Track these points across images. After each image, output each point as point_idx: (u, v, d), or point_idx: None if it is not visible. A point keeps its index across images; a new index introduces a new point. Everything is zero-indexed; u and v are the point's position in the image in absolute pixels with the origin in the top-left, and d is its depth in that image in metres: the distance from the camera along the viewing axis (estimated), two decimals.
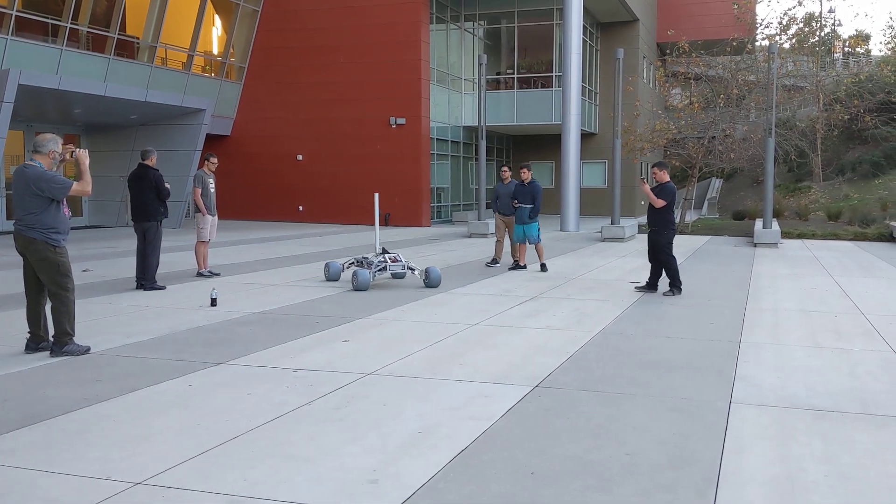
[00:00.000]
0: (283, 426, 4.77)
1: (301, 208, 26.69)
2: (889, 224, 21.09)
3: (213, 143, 25.44)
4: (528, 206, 13.01)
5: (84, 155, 6.70)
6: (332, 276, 11.32)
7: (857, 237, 20.42)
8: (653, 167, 10.80)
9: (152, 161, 10.81)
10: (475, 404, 5.23)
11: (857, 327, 8.14)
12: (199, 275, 11.87)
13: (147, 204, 10.66)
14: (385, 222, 25.41)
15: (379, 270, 10.77)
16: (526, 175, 13.19)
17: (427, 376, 5.97)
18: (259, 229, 22.84)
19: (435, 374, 6.02)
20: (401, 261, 11.01)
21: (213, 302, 9.21)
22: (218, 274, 12.03)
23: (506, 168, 13.98)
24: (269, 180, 26.67)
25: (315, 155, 26.29)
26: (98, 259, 14.35)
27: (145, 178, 10.68)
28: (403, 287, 10.83)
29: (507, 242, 13.74)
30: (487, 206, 22.39)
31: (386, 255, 11.05)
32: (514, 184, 13.37)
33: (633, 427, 4.78)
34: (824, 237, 20.68)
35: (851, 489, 3.83)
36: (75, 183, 6.65)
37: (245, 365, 6.33)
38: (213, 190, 12.00)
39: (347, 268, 11.36)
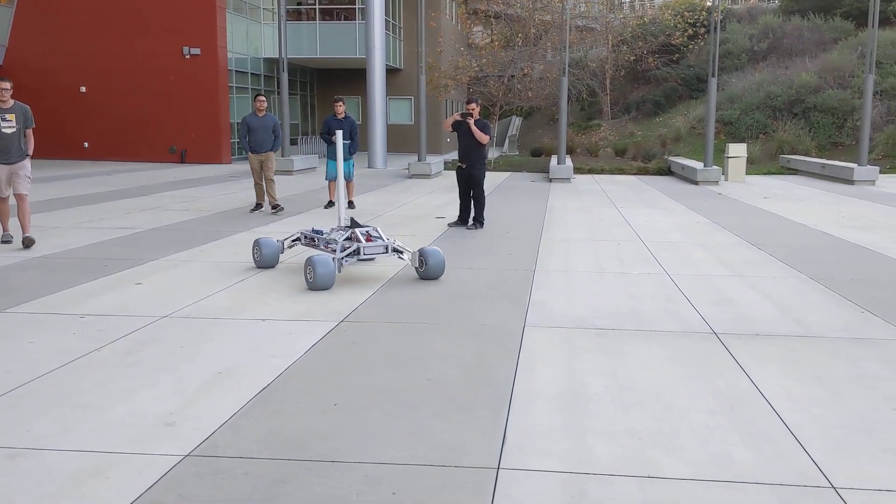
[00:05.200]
0: (70, 374, 4.49)
1: (86, 145, 24.73)
2: (667, 159, 22.96)
3: None
4: (347, 141, 12.75)
5: None
6: (265, 262, 7.65)
7: (640, 171, 22.08)
8: (469, 103, 10.66)
9: None
10: (278, 342, 5.19)
11: (637, 254, 8.86)
12: (3, 241, 9.04)
13: None
14: (181, 159, 24.18)
15: (347, 256, 7.09)
16: (340, 109, 12.84)
17: (227, 317, 5.82)
18: (38, 168, 20.90)
19: (236, 315, 5.88)
20: (380, 238, 7.35)
21: None
22: (10, 241, 9.07)
23: (261, 98, 12.25)
24: (48, 115, 24.24)
25: (101, 87, 24.32)
26: None
27: None
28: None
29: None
30: (298, 144, 21.75)
31: (357, 230, 7.34)
32: (270, 117, 12.20)
33: (435, 354, 4.95)
34: (612, 172, 22.17)
35: (626, 398, 4.21)
36: None
37: (25, 312, 5.86)
38: (7, 130, 8.83)
39: (290, 247, 7.97)
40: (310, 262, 6.77)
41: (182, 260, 8.10)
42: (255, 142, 12.06)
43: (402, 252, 7.31)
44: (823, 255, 8.82)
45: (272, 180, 12.23)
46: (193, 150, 24.03)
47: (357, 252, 7.11)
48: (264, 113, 12.20)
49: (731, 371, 4.68)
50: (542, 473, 3.31)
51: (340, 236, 7.32)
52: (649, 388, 4.36)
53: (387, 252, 7.23)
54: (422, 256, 7.22)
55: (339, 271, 7.05)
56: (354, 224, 7.46)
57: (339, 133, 8.16)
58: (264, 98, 12.38)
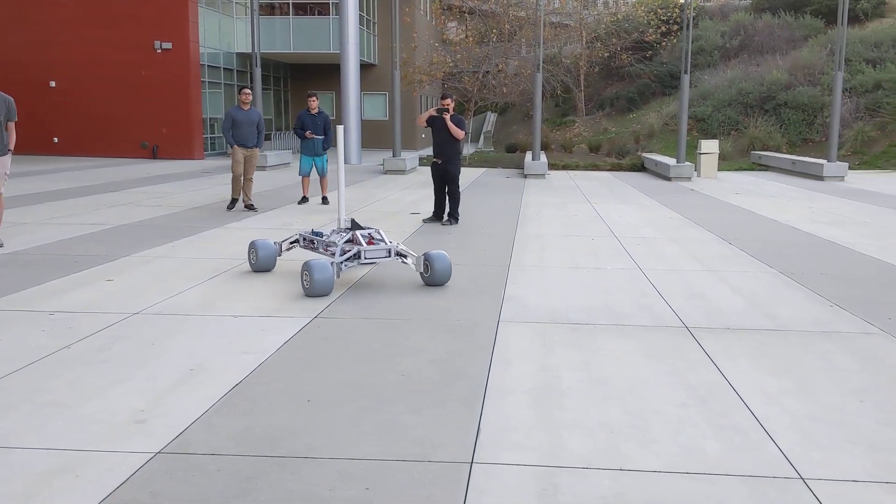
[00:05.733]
0: (40, 372, 4.42)
1: (56, 140, 24.39)
2: (641, 155, 23.10)
3: None
4: (321, 136, 12.70)
5: None
6: (262, 265, 7.24)
7: (614, 168, 22.19)
8: (444, 99, 10.54)
9: None
10: (251, 338, 5.15)
11: (611, 249, 8.91)
12: None
13: None
14: (152, 155, 23.93)
15: (347, 260, 6.65)
16: (314, 104, 12.74)
17: (200, 313, 5.77)
18: None
19: (209, 311, 5.84)
20: (383, 240, 6.88)
21: None
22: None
23: (247, 91, 12.00)
24: (17, 110, 23.99)
25: (71, 81, 23.99)
26: None
27: None
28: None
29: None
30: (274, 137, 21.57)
31: (357, 233, 6.86)
32: (255, 111, 11.93)
33: (409, 349, 4.95)
34: (586, 168, 22.28)
35: (599, 392, 4.24)
36: None
37: None
38: None
39: (288, 250, 7.54)
40: (306, 267, 6.28)
41: (154, 256, 8.01)
42: (240, 136, 11.66)
43: (406, 256, 6.84)
44: (794, 250, 8.93)
45: (251, 179, 11.97)
46: (165, 146, 23.78)
47: (358, 256, 6.62)
48: (249, 106, 11.87)
49: (702, 365, 4.72)
50: (516, 467, 3.32)
51: (340, 239, 6.83)
52: (622, 382, 4.38)
53: (389, 256, 6.74)
54: (427, 261, 6.73)
55: (338, 276, 6.60)
56: (355, 226, 6.95)
57: (341, 129, 7.56)
58: (250, 91, 12.07)
